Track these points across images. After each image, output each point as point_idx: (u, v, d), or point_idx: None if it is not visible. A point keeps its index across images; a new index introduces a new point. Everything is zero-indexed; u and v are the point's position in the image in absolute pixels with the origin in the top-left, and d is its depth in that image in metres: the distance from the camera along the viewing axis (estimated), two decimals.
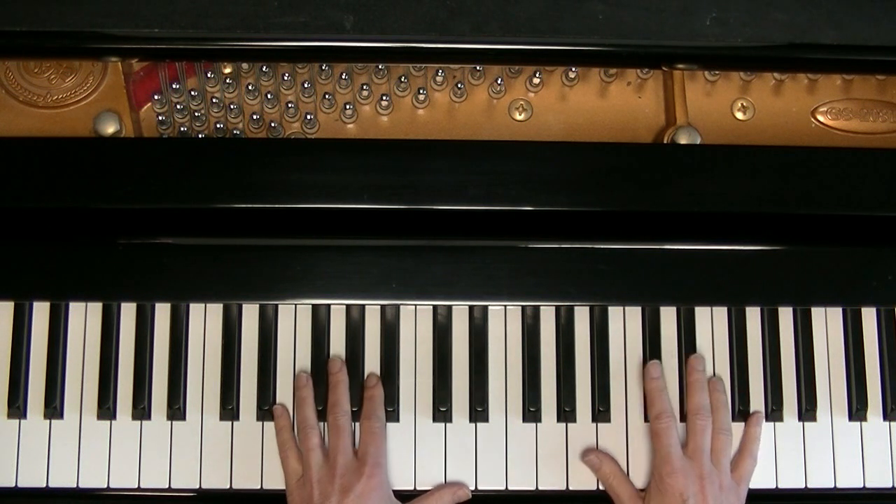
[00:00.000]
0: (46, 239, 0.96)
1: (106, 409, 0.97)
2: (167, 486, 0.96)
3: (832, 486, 0.99)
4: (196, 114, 0.99)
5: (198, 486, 0.96)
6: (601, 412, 0.98)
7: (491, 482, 0.97)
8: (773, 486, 0.98)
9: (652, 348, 1.00)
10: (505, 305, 0.99)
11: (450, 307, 0.99)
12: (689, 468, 0.93)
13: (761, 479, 0.98)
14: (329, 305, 0.99)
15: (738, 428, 0.98)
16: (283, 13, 0.89)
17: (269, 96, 0.99)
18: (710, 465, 0.93)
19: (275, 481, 0.96)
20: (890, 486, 0.99)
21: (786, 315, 1.01)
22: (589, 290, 0.97)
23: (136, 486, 0.96)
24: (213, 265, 0.96)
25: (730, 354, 1.01)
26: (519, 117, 1.02)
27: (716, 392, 0.98)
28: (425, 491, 0.96)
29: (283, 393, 0.98)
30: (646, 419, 0.99)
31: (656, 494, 0.93)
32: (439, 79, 1.00)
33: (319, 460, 0.93)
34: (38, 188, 0.92)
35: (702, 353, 1.00)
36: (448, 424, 0.98)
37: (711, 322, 1.01)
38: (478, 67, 1.00)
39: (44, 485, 0.96)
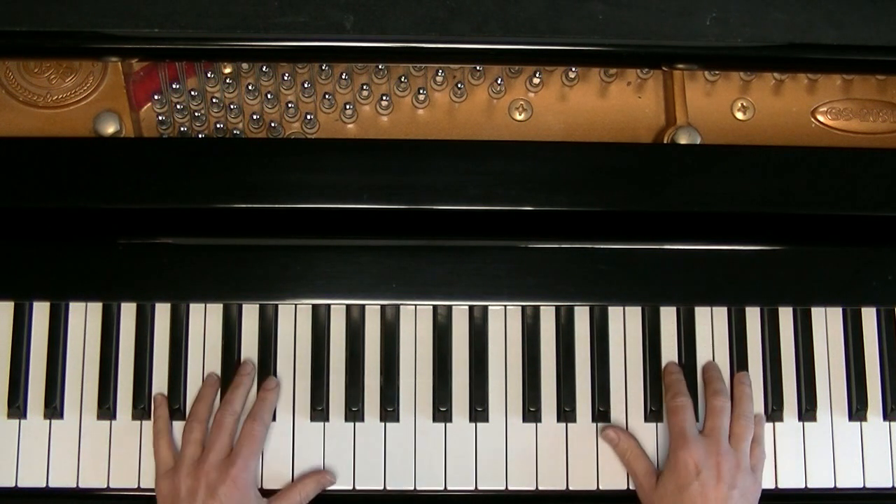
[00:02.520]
0: (46, 239, 0.96)
1: (106, 409, 0.97)
2: None
3: (832, 486, 0.99)
4: (196, 114, 0.99)
5: None
6: (601, 412, 0.98)
7: (491, 482, 0.97)
8: (773, 486, 0.98)
9: (652, 348, 1.00)
10: (505, 305, 0.99)
11: (450, 307, 0.99)
12: (704, 444, 0.92)
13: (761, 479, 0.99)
14: (329, 305, 0.99)
15: None
16: (283, 13, 0.89)
17: (269, 96, 0.99)
18: (727, 445, 0.93)
19: (275, 481, 0.96)
20: (890, 486, 0.99)
21: (786, 315, 1.01)
22: (589, 290, 0.97)
23: (136, 486, 0.96)
24: (213, 265, 0.96)
25: (730, 354, 1.01)
26: (519, 117, 1.02)
27: (741, 385, 0.98)
28: (426, 491, 0.97)
29: (286, 393, 0.98)
30: (646, 419, 0.99)
31: (669, 471, 0.92)
32: (439, 79, 1.00)
33: (194, 456, 0.92)
34: (38, 188, 0.92)
35: (702, 353, 1.00)
36: (448, 424, 0.98)
37: (711, 322, 1.01)
38: (478, 67, 1.00)
39: (44, 485, 0.96)
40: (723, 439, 0.93)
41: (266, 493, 0.94)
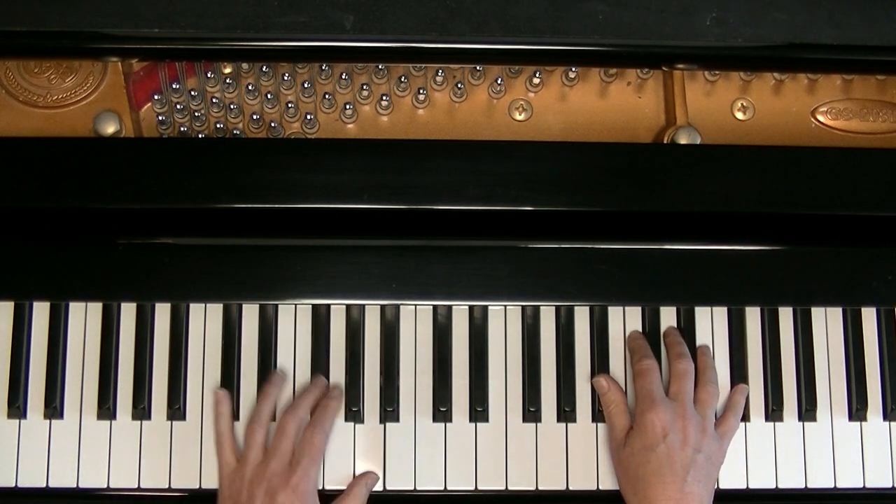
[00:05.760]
0: (46, 239, 0.96)
1: (106, 409, 0.97)
2: (167, 486, 0.96)
3: (832, 486, 0.99)
4: (196, 114, 0.99)
5: (198, 486, 0.96)
6: (601, 412, 0.98)
7: (491, 482, 0.97)
8: (774, 486, 0.99)
9: (652, 348, 1.00)
10: (505, 305, 0.99)
11: (450, 307, 0.99)
12: (670, 406, 0.93)
13: (761, 479, 0.99)
14: (329, 305, 0.99)
15: (739, 431, 0.98)
16: (283, 13, 0.89)
17: (269, 96, 0.99)
18: (692, 408, 0.94)
19: None
20: (890, 486, 0.99)
21: (786, 315, 1.02)
22: (589, 290, 0.97)
23: (136, 486, 0.96)
24: (213, 265, 0.96)
25: (730, 354, 1.01)
26: (519, 117, 1.02)
27: (703, 356, 0.99)
28: (426, 491, 0.96)
29: (286, 393, 0.98)
30: None
31: (638, 432, 0.92)
32: (439, 79, 1.00)
33: (258, 458, 0.92)
34: (38, 188, 0.92)
35: None
36: (448, 424, 0.98)
37: (711, 322, 1.01)
38: (478, 67, 1.00)
39: (44, 485, 0.96)
40: (688, 402, 0.94)
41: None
